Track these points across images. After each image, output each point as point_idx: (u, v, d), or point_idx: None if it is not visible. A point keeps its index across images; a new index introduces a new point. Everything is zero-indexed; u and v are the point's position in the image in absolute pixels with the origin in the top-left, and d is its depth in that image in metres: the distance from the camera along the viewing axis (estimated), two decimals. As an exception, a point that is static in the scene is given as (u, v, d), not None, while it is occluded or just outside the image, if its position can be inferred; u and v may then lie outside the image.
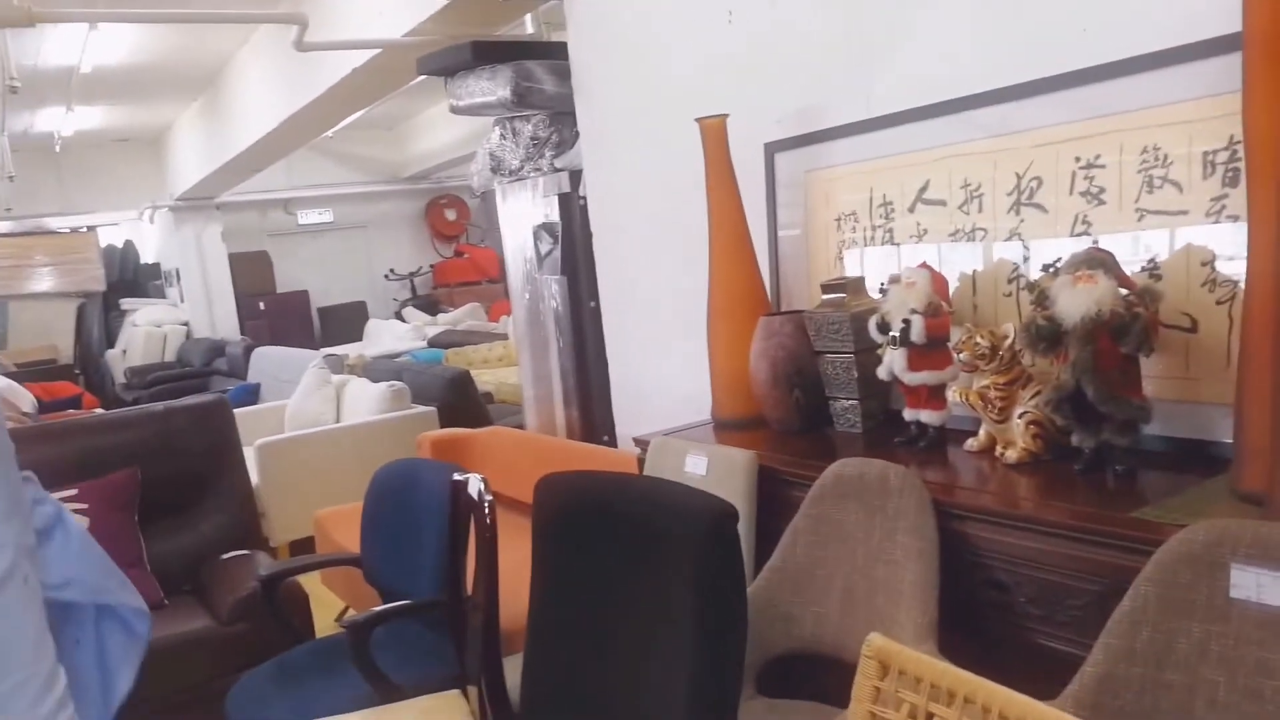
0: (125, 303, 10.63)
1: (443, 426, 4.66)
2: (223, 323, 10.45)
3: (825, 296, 2.17)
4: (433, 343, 8.95)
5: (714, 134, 2.38)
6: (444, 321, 10.29)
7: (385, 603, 2.32)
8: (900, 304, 1.91)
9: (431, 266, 12.18)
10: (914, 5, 2.10)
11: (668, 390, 3.04)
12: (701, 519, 1.37)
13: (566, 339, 3.66)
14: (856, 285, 2.16)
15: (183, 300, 10.51)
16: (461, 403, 4.90)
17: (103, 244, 10.76)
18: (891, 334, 1.91)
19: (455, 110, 3.82)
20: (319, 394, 4.95)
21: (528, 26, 5.19)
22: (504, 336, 8.47)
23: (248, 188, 10.09)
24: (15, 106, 8.02)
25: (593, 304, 3.47)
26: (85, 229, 10.42)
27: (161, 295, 10.90)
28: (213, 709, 2.26)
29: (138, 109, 8.85)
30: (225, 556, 3.00)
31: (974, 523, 1.62)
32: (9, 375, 7.76)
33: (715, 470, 2.04)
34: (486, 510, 1.76)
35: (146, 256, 11.27)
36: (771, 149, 2.48)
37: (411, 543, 2.19)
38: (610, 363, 3.37)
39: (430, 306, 11.40)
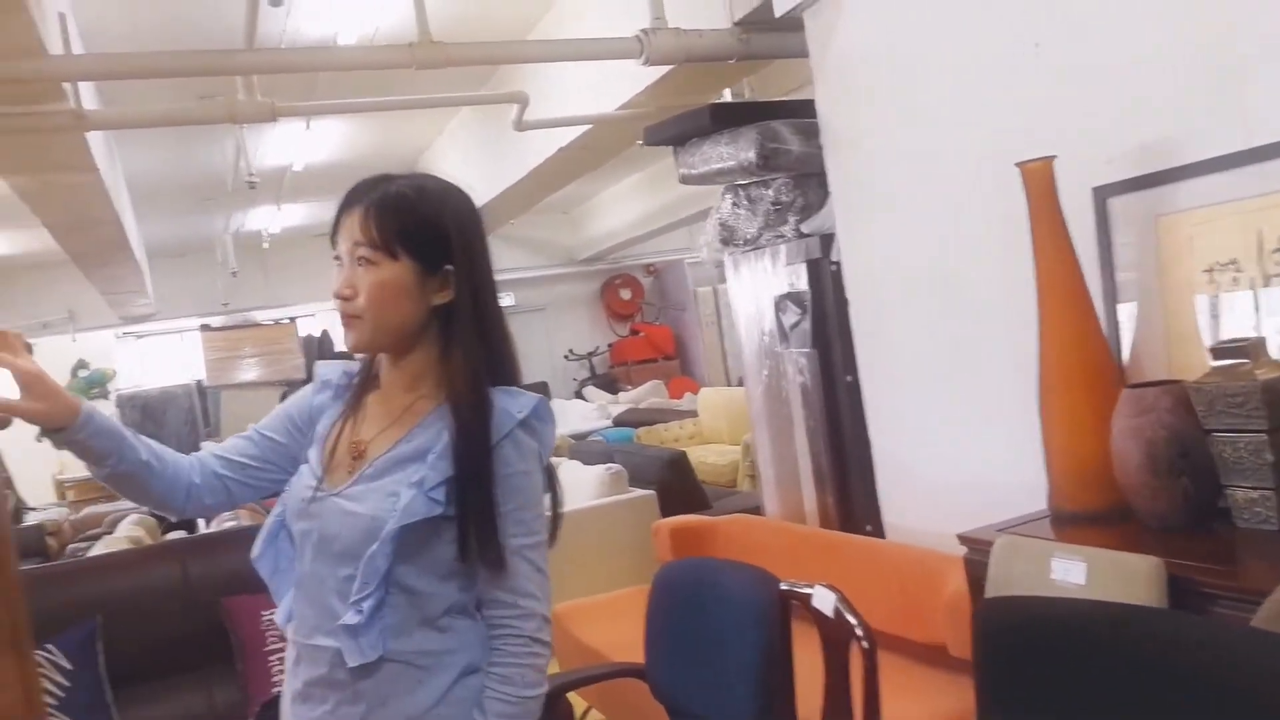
0: (320, 391, 11.07)
1: (662, 510, 4.41)
2: (413, 406, 10.69)
3: (1216, 363, 1.78)
4: (618, 421, 8.80)
5: (1039, 180, 2.05)
6: (625, 400, 10.18)
7: (675, 723, 2.04)
8: (1351, 369, 1.51)
9: (609, 346, 12.19)
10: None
11: (948, 477, 2.68)
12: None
13: (816, 417, 3.34)
14: (1258, 348, 1.77)
15: (376, 386, 10.81)
16: (680, 485, 4.65)
17: (301, 334, 11.24)
18: (1340, 407, 1.52)
19: (685, 180, 3.64)
20: (532, 478, 4.80)
21: (727, 96, 5.03)
22: (693, 414, 8.23)
23: (436, 274, 10.34)
24: (235, 206, 8.50)
25: (849, 379, 3.15)
26: (287, 320, 10.92)
27: (354, 383, 11.27)
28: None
29: (336, 205, 9.24)
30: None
31: None
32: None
33: (1100, 579, 1.66)
34: (861, 635, 1.43)
35: (339, 344, 11.72)
36: (1102, 194, 2.13)
37: (717, 658, 1.90)
38: (873, 444, 3.03)
39: (609, 385, 11.36)
